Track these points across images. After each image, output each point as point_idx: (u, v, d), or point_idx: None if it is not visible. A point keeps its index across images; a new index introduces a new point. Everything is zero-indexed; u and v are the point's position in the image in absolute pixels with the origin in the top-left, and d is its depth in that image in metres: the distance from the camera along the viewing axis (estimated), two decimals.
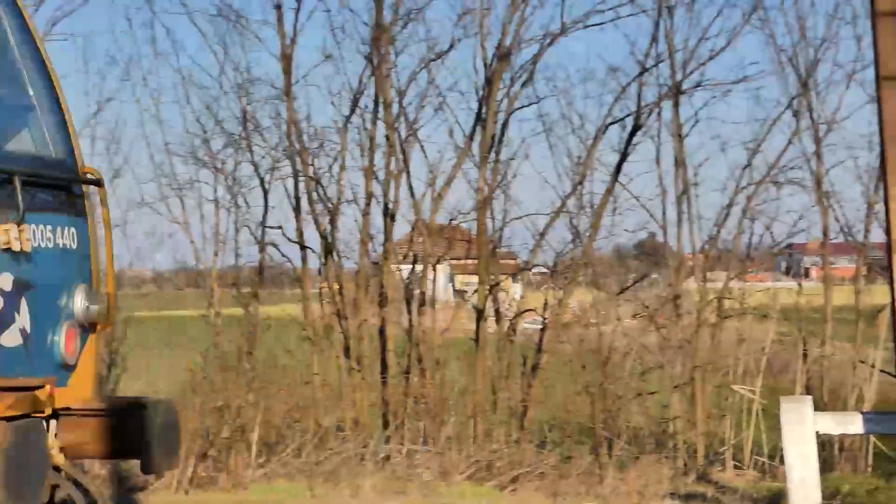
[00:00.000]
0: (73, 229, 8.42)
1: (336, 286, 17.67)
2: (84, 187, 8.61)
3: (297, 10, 17.67)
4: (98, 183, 8.66)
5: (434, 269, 17.71)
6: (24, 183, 7.88)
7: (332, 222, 17.63)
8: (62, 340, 8.18)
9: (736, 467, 16.40)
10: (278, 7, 17.72)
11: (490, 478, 15.74)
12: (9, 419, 7.20)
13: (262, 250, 17.69)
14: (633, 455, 15.92)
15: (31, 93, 8.52)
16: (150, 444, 8.26)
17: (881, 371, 16.85)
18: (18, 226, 7.65)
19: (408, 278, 17.92)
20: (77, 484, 8.25)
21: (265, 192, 17.66)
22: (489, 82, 17.34)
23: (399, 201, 17.55)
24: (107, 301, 8.55)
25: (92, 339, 8.59)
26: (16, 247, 7.61)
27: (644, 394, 16.86)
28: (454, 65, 29.99)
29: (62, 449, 8.22)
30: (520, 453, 16.10)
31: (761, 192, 17.26)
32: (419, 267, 17.82)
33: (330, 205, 17.62)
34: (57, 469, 8.09)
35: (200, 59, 35.36)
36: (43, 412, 7.86)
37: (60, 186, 8.42)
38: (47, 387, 7.92)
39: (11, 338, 7.70)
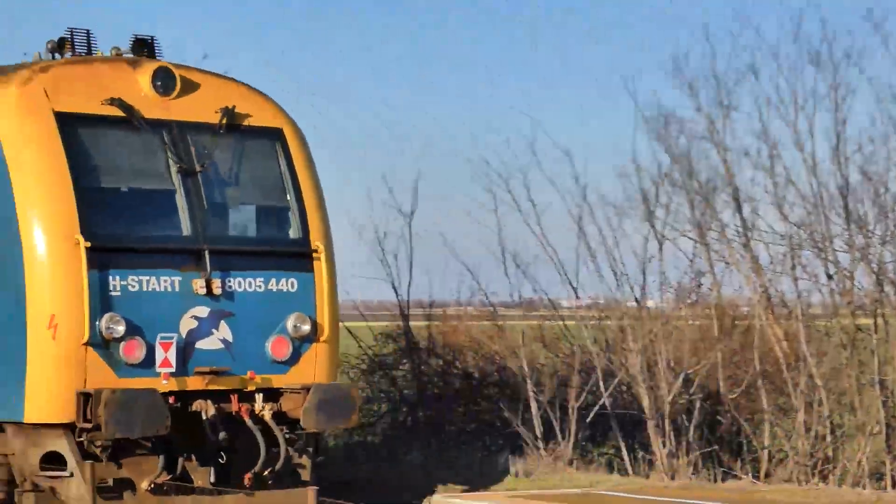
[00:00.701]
0: (293, 279, 14.00)
1: None
2: (313, 247, 14.07)
3: None
4: (317, 251, 14.09)
5: None
6: (260, 253, 13.79)
7: None
8: (269, 346, 13.79)
9: None
10: None
11: None
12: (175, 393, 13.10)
13: None
14: None
15: (288, 199, 14.31)
16: (308, 409, 13.55)
17: None
18: (208, 281, 13.50)
19: None
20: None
21: None
22: None
23: None
24: (317, 324, 13.94)
25: (313, 347, 14.01)
26: (204, 292, 13.46)
27: None
28: None
29: (278, 412, 13.76)
30: None
31: None
32: None
33: None
34: (265, 424, 13.65)
35: None
36: (246, 388, 13.60)
37: (291, 254, 14.07)
38: (250, 375, 13.64)
39: (210, 343, 13.55)
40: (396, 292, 22.08)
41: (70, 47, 14.39)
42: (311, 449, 14.22)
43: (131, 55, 14.38)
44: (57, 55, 14.34)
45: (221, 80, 14.59)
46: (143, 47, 14.53)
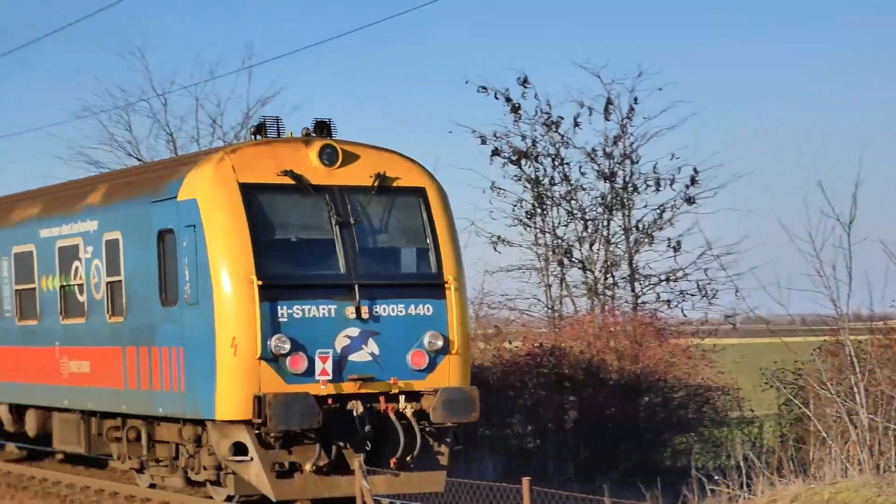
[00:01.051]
0: (429, 305, 17.77)
1: None
2: (446, 280, 17.83)
3: None
4: (448, 283, 17.82)
5: None
6: (401, 285, 17.70)
7: None
8: (409, 358, 17.60)
9: None
10: None
11: None
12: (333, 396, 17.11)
13: None
14: None
15: (427, 242, 18.13)
16: (436, 407, 17.29)
17: None
18: (358, 308, 17.45)
19: None
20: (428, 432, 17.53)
21: None
22: None
23: None
24: (449, 340, 17.67)
25: (446, 358, 17.72)
26: (354, 317, 17.42)
27: None
28: None
29: (419, 410, 17.54)
30: None
31: None
32: None
33: None
34: (407, 420, 17.44)
35: None
36: (391, 391, 17.47)
37: (427, 285, 17.87)
38: (393, 381, 17.51)
39: (360, 356, 17.47)
40: (835, 304, 20.64)
41: (264, 131, 18.70)
42: (448, 440, 17.89)
43: (309, 134, 18.49)
44: (258, 136, 18.71)
45: (377, 150, 18.54)
46: (323, 127, 18.65)
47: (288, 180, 17.76)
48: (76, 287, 20.58)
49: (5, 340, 23.03)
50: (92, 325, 20.17)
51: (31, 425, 22.82)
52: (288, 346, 17.08)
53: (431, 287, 17.98)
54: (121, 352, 19.32)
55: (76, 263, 20.57)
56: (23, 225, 22.54)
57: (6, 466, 25.07)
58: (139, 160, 38.28)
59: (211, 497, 18.69)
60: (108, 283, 19.70)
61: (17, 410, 23.33)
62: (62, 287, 20.99)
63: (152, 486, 20.29)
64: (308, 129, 18.57)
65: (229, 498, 18.24)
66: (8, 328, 22.92)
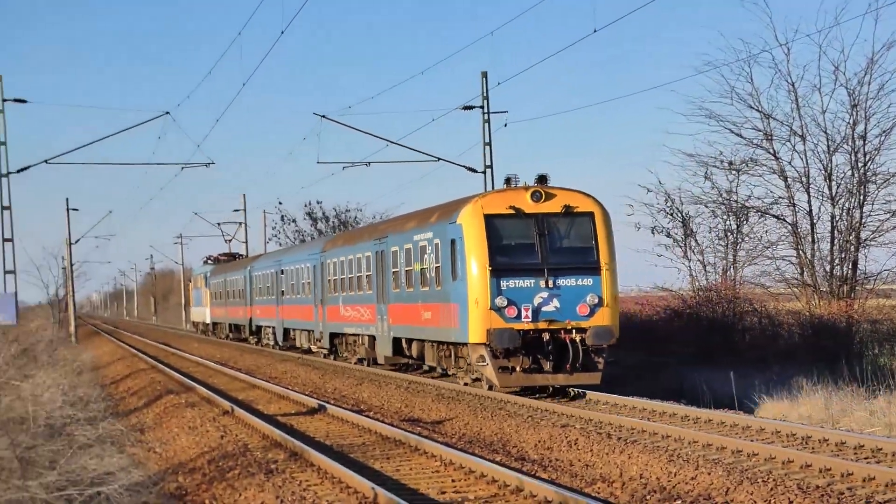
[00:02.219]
0: (590, 279, 31.78)
1: None
2: (601, 265, 31.75)
3: None
4: (600, 265, 31.70)
5: None
6: (574, 268, 31.90)
7: None
8: (578, 309, 31.69)
9: None
10: None
11: None
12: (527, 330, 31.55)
13: None
14: None
15: (592, 243, 32.13)
16: (588, 335, 31.38)
17: None
18: (546, 281, 31.68)
19: None
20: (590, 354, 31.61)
21: None
22: None
23: None
24: (602, 298, 31.60)
25: (600, 310, 31.62)
26: (544, 286, 31.70)
27: None
28: None
29: (582, 339, 31.59)
30: None
31: None
32: None
33: None
34: (587, 347, 31.51)
35: None
36: (568, 327, 31.68)
37: (590, 268, 31.89)
38: (568, 322, 31.71)
39: (549, 308, 31.69)
40: None
41: (510, 182, 33.16)
42: (604, 356, 31.67)
43: (534, 182, 32.72)
44: (506, 185, 33.24)
45: (567, 190, 32.55)
46: (543, 178, 32.88)
47: (511, 211, 32.11)
48: (426, 269, 35.69)
49: (397, 300, 38.54)
50: (432, 291, 35.23)
51: (414, 351, 38.27)
52: (506, 302, 31.44)
53: (592, 269, 31.85)
54: (440, 307, 34.29)
55: (426, 255, 35.65)
56: (407, 232, 37.89)
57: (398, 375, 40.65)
58: (759, 112, 41.76)
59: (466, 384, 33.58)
60: (435, 267, 34.68)
61: (406, 341, 38.95)
62: (421, 269, 36.18)
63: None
64: (544, 175, 32.88)
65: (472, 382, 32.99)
66: (400, 293, 38.39)
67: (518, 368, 31.65)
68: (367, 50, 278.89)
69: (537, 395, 32.57)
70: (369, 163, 55.97)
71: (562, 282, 31.75)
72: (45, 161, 55.86)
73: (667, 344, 41.48)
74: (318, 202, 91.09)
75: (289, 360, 52.74)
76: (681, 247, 44.58)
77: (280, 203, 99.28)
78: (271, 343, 63.27)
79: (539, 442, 24.36)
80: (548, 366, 31.48)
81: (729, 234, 43.50)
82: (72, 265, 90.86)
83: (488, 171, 51.18)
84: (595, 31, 47.30)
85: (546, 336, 31.55)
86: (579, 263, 32.02)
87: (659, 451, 22.22)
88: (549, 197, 32.39)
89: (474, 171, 51.73)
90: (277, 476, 21.19)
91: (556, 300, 31.68)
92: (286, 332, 59.44)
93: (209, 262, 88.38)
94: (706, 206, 43.97)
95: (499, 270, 31.67)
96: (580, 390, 32.30)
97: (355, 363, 46.35)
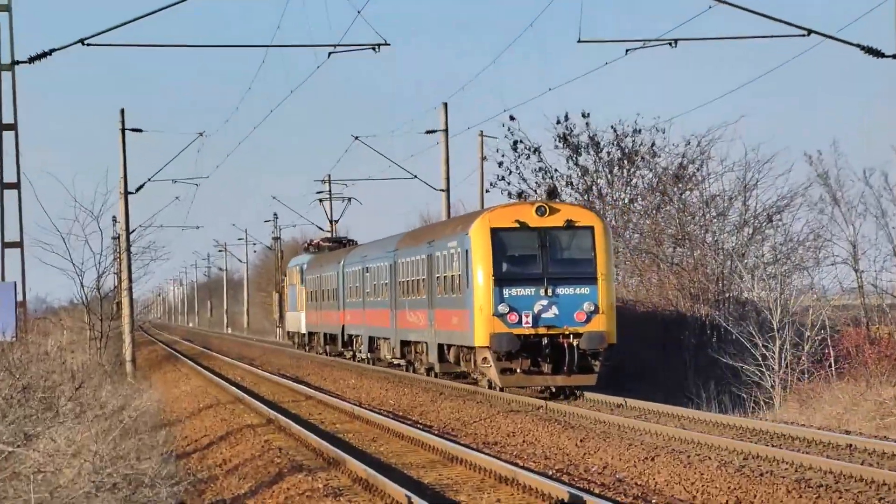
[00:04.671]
0: (587, 287, 34.27)
1: None
2: (598, 275, 34.22)
3: None
4: (597, 275, 34.17)
5: None
6: (571, 277, 34.42)
7: None
8: (575, 316, 34.21)
9: None
10: None
11: None
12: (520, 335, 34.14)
13: None
14: None
15: (591, 255, 34.63)
16: (582, 340, 33.89)
17: None
18: (546, 289, 34.24)
19: None
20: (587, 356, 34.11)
21: None
22: None
23: None
24: (598, 306, 34.07)
25: (596, 317, 34.09)
26: (544, 294, 34.26)
27: None
28: None
29: (578, 343, 34.08)
30: None
31: None
32: None
33: None
34: (583, 351, 34.01)
35: None
36: (565, 333, 34.23)
37: (587, 277, 34.38)
38: (565, 327, 34.26)
39: (548, 314, 34.26)
40: None
41: (522, 197, 35.76)
42: (600, 359, 34.08)
43: (542, 197, 35.27)
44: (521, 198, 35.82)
45: (569, 205, 35.13)
46: (553, 192, 35.46)
47: (516, 225, 34.73)
48: (455, 276, 38.29)
49: (440, 305, 41.09)
50: (457, 297, 37.84)
51: (451, 356, 40.96)
52: (508, 309, 34.11)
53: (589, 278, 34.30)
54: (461, 312, 36.92)
55: (455, 262, 38.23)
56: (443, 238, 40.58)
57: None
58: None
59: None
60: (458, 274, 37.31)
61: (440, 347, 41.53)
62: (451, 276, 38.83)
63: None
64: (538, 198, 35.43)
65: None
66: (442, 298, 40.87)
67: (518, 370, 34.23)
68: None
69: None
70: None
71: (561, 290, 34.24)
72: (81, 42, 35.41)
73: None
74: (584, 114, 51.58)
75: (451, 397, 36.66)
76: None
77: (512, 119, 52.46)
78: (363, 356, 52.60)
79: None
80: (546, 368, 34.02)
81: None
82: (128, 233, 55.71)
83: None
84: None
85: (545, 340, 34.08)
86: (577, 273, 34.48)
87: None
88: (554, 211, 34.90)
89: None
90: None
91: (554, 307, 34.19)
92: (370, 341, 51.04)
93: (310, 249, 70.41)
94: None
95: (501, 280, 34.30)
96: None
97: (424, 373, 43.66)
